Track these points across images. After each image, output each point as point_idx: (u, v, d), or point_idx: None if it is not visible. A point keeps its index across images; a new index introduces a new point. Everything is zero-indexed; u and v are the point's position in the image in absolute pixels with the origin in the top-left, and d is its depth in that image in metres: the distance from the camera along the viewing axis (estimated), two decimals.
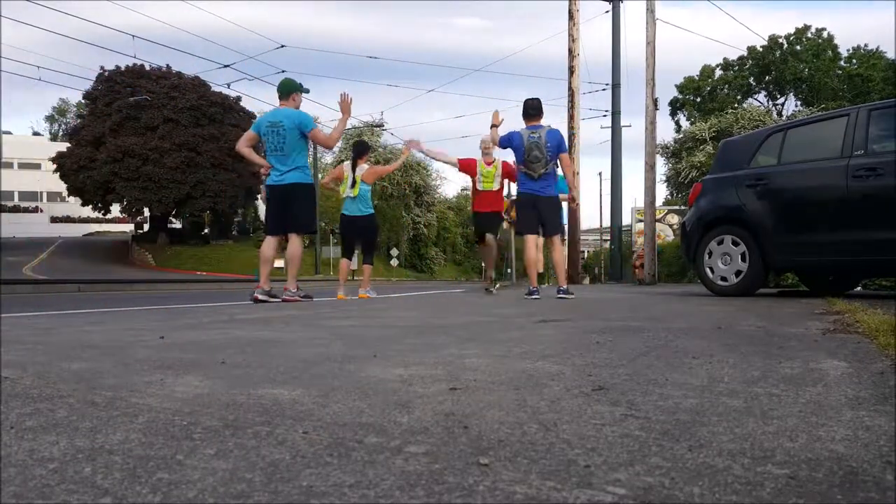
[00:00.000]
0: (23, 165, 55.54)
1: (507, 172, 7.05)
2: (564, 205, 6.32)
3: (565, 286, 5.69)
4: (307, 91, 5.69)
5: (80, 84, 43.27)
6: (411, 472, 0.84)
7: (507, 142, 5.81)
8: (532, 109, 5.79)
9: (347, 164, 7.06)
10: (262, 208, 42.12)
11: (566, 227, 6.39)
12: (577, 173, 14.83)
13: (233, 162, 31.25)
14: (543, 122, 5.82)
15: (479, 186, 7.15)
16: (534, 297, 5.43)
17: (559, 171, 5.95)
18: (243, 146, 5.55)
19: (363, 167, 6.99)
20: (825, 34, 34.80)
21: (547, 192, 5.73)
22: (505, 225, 6.87)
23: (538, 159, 5.64)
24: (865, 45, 34.11)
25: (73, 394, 1.37)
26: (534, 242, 5.94)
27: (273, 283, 5.65)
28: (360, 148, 7.28)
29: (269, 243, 5.58)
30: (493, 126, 6.04)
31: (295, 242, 5.51)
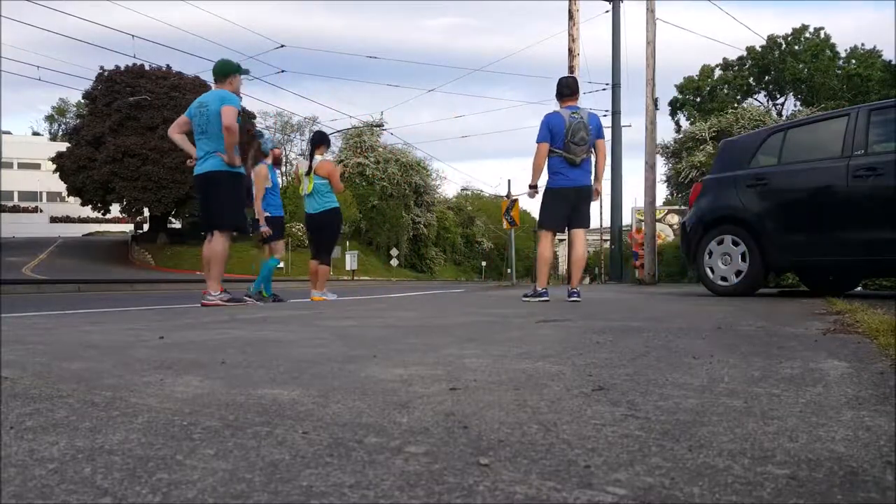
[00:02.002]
0: (23, 165, 55.60)
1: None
2: None
3: (578, 288, 5.20)
4: (247, 72, 5.17)
5: (80, 84, 43.31)
6: (411, 473, 0.83)
7: (545, 128, 5.08)
8: (568, 88, 5.18)
9: (302, 161, 6.72)
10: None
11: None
12: None
13: None
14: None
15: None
16: (543, 298, 5.00)
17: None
18: (174, 132, 4.98)
19: (318, 159, 6.43)
20: (822, 34, 34.83)
21: (587, 180, 5.14)
22: (505, 225, 6.45)
23: (584, 141, 5.00)
24: (863, 45, 34.16)
25: (73, 394, 1.37)
26: (552, 239, 5.31)
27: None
28: (315, 138, 6.66)
29: (206, 244, 5.03)
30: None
31: (218, 240, 4.92)
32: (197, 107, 4.91)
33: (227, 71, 5.01)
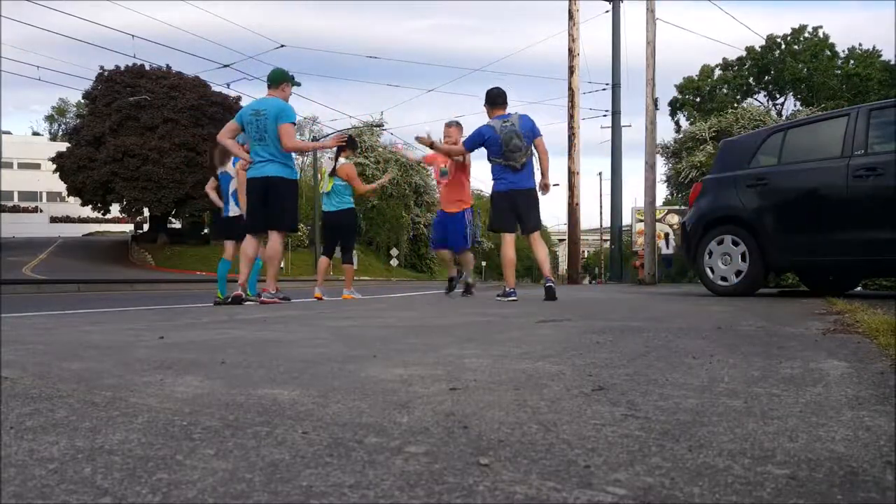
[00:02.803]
0: (22, 165, 55.59)
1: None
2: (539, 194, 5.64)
3: (552, 279, 5.39)
4: (298, 84, 5.43)
5: (80, 84, 43.32)
6: (411, 472, 0.83)
7: (477, 139, 5.35)
8: (499, 98, 5.42)
9: (328, 161, 6.78)
10: None
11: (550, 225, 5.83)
12: (577, 173, 14.86)
13: None
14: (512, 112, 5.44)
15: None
16: (510, 298, 5.19)
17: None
18: (225, 136, 5.20)
19: (342, 161, 6.68)
20: (821, 33, 34.82)
21: (528, 183, 5.38)
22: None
23: (519, 148, 5.24)
24: (861, 45, 34.16)
25: (73, 394, 1.37)
26: (512, 241, 5.53)
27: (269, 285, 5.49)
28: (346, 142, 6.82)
29: (251, 242, 5.28)
30: (432, 145, 5.67)
31: (275, 240, 5.17)
32: (252, 114, 5.09)
33: (281, 79, 5.25)
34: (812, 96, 32.16)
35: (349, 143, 6.82)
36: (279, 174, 5.08)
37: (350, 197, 6.70)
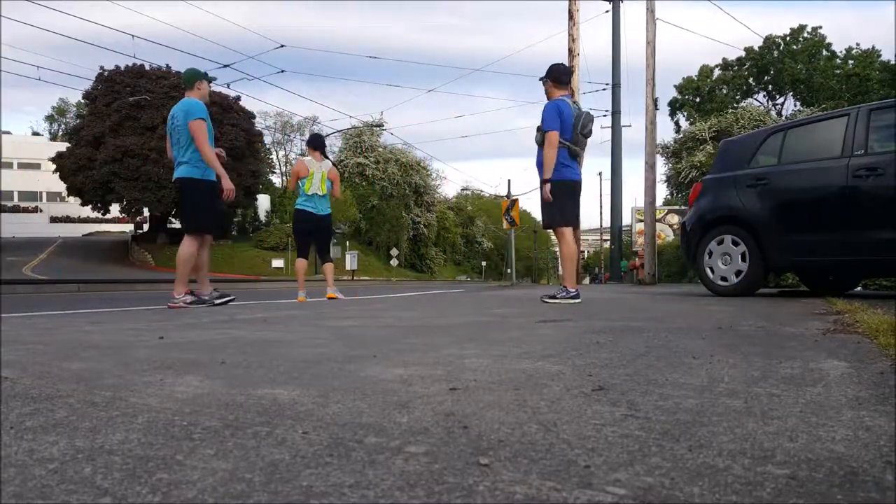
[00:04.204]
0: (22, 165, 55.61)
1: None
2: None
3: (575, 288, 4.81)
4: (213, 79, 5.29)
5: (80, 84, 43.36)
6: (411, 473, 0.83)
7: (557, 115, 4.58)
8: (567, 76, 4.81)
9: (308, 159, 6.60)
10: (261, 208, 42.11)
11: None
12: None
13: (231, 161, 31.17)
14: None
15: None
16: (577, 300, 4.65)
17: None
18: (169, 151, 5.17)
19: (327, 163, 6.59)
20: (819, 33, 34.81)
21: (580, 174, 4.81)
22: (505, 225, 6.35)
23: (590, 134, 4.69)
24: (860, 45, 34.16)
25: (73, 394, 1.37)
26: (574, 235, 4.81)
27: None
28: (319, 141, 6.82)
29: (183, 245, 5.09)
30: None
31: (183, 243, 4.98)
32: (170, 119, 5.10)
33: (194, 78, 5.16)
34: (812, 96, 32.18)
35: (321, 141, 6.82)
36: (189, 175, 4.93)
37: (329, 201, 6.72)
